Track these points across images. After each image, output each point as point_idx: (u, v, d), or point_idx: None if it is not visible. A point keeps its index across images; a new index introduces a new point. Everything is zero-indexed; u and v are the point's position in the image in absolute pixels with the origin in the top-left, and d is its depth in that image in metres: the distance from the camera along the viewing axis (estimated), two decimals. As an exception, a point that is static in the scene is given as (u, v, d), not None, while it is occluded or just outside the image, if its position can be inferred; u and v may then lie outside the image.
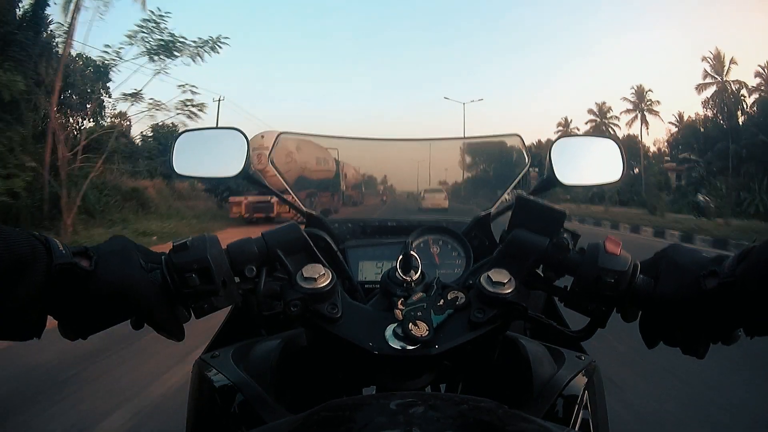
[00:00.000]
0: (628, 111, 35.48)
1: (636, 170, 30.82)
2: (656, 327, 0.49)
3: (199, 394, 0.57)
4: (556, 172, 0.79)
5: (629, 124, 35.68)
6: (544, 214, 0.55)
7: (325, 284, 0.51)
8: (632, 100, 35.17)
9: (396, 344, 0.49)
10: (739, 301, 0.42)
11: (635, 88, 35.79)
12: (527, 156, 0.91)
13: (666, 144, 36.71)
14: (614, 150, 0.83)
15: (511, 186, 0.90)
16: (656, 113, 34.83)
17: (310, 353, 0.58)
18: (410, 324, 0.50)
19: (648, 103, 34.92)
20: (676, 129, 34.03)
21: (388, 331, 0.50)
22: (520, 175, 0.90)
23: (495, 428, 0.37)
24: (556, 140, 0.81)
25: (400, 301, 0.52)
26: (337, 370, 0.58)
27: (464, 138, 1.11)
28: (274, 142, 0.97)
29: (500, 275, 0.52)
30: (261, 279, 0.53)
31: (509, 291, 0.51)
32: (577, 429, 0.50)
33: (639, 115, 34.95)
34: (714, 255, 0.47)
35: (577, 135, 0.84)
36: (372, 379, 0.56)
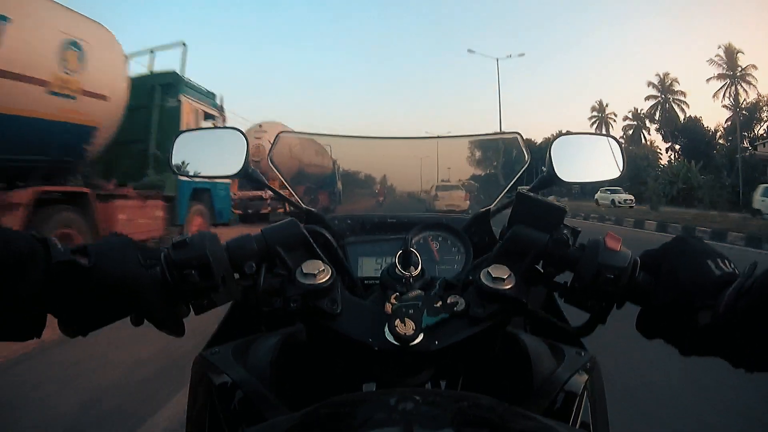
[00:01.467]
0: (719, 77, 29.86)
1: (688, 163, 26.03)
2: (654, 325, 0.48)
3: (199, 391, 0.57)
4: (556, 169, 0.79)
5: (720, 95, 30.03)
6: (543, 210, 0.55)
7: (324, 280, 0.51)
8: (722, 64, 29.53)
9: (395, 340, 0.49)
10: (731, 339, 0.41)
11: (723, 47, 29.88)
12: (527, 154, 0.92)
13: (723, 129, 31.69)
14: (614, 148, 0.84)
15: (511, 183, 0.91)
16: (752, 81, 29.08)
17: (310, 349, 0.58)
18: (397, 320, 0.49)
19: (741, 70, 29.12)
20: (731, 113, 29.13)
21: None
22: (520, 173, 0.91)
23: (495, 425, 0.37)
24: (556, 138, 0.82)
25: (393, 296, 0.52)
26: (336, 366, 0.58)
27: (464, 136, 1.11)
28: (274, 141, 0.97)
29: (500, 271, 0.52)
30: (260, 275, 0.53)
31: (509, 287, 0.51)
32: (577, 426, 0.50)
33: (731, 85, 29.08)
34: (717, 274, 0.44)
35: (578, 133, 0.84)
36: (372, 375, 0.56)
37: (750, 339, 0.40)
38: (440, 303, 0.51)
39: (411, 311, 0.50)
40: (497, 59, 23.69)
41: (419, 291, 0.53)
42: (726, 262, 0.46)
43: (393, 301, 0.52)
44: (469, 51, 33.85)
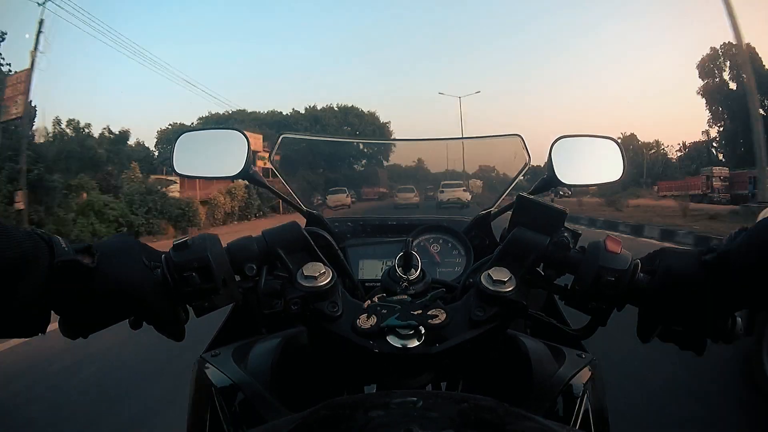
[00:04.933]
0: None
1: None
2: (655, 322, 0.49)
3: (199, 393, 0.57)
4: (556, 172, 0.79)
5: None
6: (544, 213, 0.55)
7: (325, 282, 0.51)
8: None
9: (396, 343, 0.49)
10: (737, 276, 0.44)
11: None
12: (528, 156, 0.92)
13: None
14: (614, 149, 0.84)
15: (511, 186, 0.91)
16: None
17: (311, 352, 0.58)
18: (363, 315, 0.50)
19: None
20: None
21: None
22: (520, 175, 0.91)
23: (495, 426, 0.37)
24: (556, 140, 0.82)
25: (378, 296, 0.53)
26: (337, 369, 0.58)
27: (463, 138, 1.11)
28: (277, 142, 0.98)
29: (501, 273, 0.52)
30: (261, 277, 0.53)
31: (510, 289, 0.51)
32: (577, 427, 0.50)
33: None
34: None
35: (578, 135, 0.84)
36: (372, 378, 0.57)
37: (748, 276, 0.43)
38: (420, 311, 0.51)
39: (384, 311, 0.50)
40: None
41: (405, 296, 0.53)
42: None
43: (375, 299, 0.52)
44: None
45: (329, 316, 0.51)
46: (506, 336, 0.59)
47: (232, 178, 0.80)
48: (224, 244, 0.53)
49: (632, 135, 45.99)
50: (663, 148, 44.08)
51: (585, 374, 0.56)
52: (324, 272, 0.52)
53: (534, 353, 0.56)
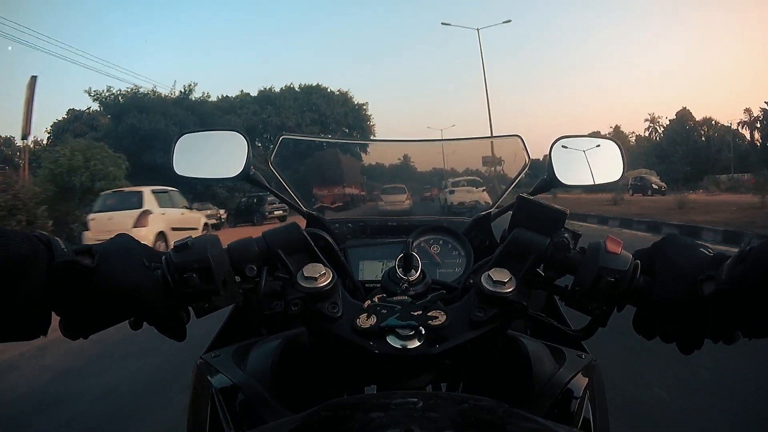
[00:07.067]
0: None
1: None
2: (653, 324, 0.49)
3: (199, 394, 0.57)
4: (556, 172, 0.80)
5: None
6: (544, 213, 0.55)
7: (325, 283, 0.51)
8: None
9: (396, 344, 0.49)
10: (737, 305, 0.42)
11: None
12: (527, 156, 0.92)
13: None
14: (614, 150, 0.84)
15: (511, 186, 0.91)
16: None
17: (311, 352, 0.58)
18: (363, 314, 0.50)
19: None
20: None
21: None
22: (520, 175, 0.91)
23: (495, 427, 0.37)
24: (556, 140, 0.82)
25: (378, 296, 0.53)
26: (337, 369, 0.58)
27: (462, 138, 1.11)
28: (276, 143, 0.98)
29: (501, 274, 0.52)
30: (262, 278, 0.53)
31: (510, 290, 0.51)
32: (578, 428, 0.50)
33: None
34: (712, 254, 0.46)
35: (578, 135, 0.84)
36: (373, 378, 0.57)
37: (749, 306, 0.41)
38: (420, 312, 0.51)
39: (384, 311, 0.50)
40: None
41: (405, 297, 0.53)
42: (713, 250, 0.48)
43: (375, 299, 0.52)
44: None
45: (329, 317, 0.51)
46: (506, 337, 0.59)
47: (233, 180, 0.80)
48: (224, 245, 0.53)
49: (685, 110, 40.84)
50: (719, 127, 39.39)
51: (585, 375, 0.56)
52: (324, 273, 0.52)
53: (534, 354, 0.56)
